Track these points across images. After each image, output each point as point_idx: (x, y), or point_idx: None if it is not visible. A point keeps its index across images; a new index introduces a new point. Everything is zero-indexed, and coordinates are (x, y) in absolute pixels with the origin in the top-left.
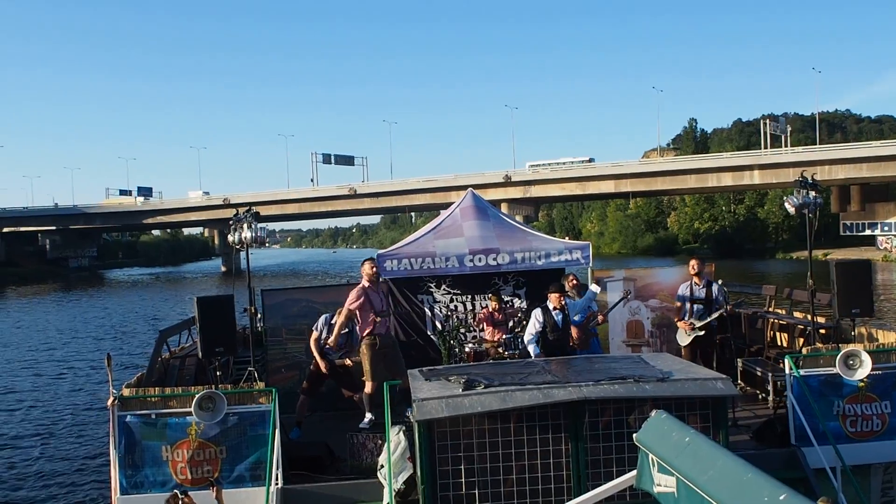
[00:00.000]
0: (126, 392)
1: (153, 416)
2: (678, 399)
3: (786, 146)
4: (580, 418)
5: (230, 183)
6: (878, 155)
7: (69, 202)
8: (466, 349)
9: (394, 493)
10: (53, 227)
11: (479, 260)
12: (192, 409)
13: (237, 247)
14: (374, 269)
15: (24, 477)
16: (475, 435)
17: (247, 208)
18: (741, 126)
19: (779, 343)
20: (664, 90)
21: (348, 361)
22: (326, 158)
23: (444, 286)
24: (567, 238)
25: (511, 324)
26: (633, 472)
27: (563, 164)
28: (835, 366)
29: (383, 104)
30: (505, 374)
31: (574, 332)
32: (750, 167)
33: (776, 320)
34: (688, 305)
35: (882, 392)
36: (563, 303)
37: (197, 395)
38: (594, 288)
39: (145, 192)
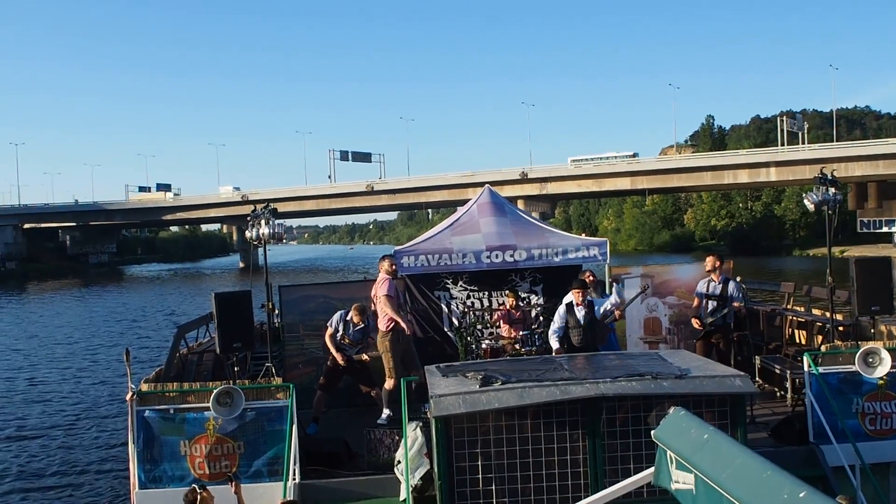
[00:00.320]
0: (144, 387)
1: (171, 411)
2: (696, 396)
3: (803, 143)
4: (597, 415)
5: (248, 180)
6: (894, 153)
7: (89, 199)
8: (483, 346)
9: (411, 489)
10: (74, 224)
11: (497, 256)
12: (210, 405)
13: (255, 243)
14: (393, 266)
15: (45, 470)
16: (492, 431)
17: (264, 204)
18: (759, 123)
19: (797, 340)
20: (684, 87)
21: (365, 357)
22: (344, 155)
23: (461, 282)
24: (584, 235)
25: (528, 320)
26: (651, 469)
27: (607, 158)
28: (854, 363)
29: (400, 101)
30: (522, 371)
31: None
32: (766, 164)
33: (795, 317)
34: (704, 302)
35: None
36: (586, 299)
37: (215, 391)
38: (613, 299)
39: (164, 188)
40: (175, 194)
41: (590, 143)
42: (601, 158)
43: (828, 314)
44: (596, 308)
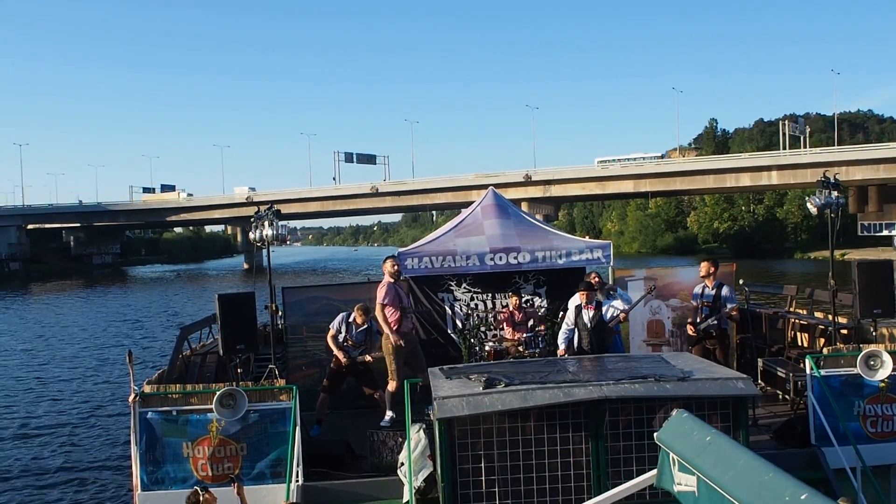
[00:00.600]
0: (147, 389)
1: (174, 413)
2: (699, 398)
3: (805, 147)
4: (600, 417)
5: (253, 181)
6: (895, 157)
7: (93, 199)
8: (487, 348)
9: (414, 491)
10: (77, 224)
11: (500, 258)
12: (213, 406)
13: (258, 244)
14: (396, 266)
15: (48, 471)
16: (495, 433)
17: (268, 206)
18: (763, 126)
19: (799, 343)
20: (689, 90)
21: (369, 358)
22: (349, 157)
23: (464, 284)
24: (587, 237)
25: (531, 322)
26: (654, 471)
27: (634, 159)
28: (856, 366)
29: (405, 103)
30: (525, 373)
31: None
32: (768, 168)
33: (797, 320)
34: (699, 306)
35: None
36: (593, 301)
37: (218, 392)
38: (619, 304)
39: (168, 189)
40: (189, 195)
41: (592, 145)
42: (628, 159)
43: (830, 317)
44: (603, 310)
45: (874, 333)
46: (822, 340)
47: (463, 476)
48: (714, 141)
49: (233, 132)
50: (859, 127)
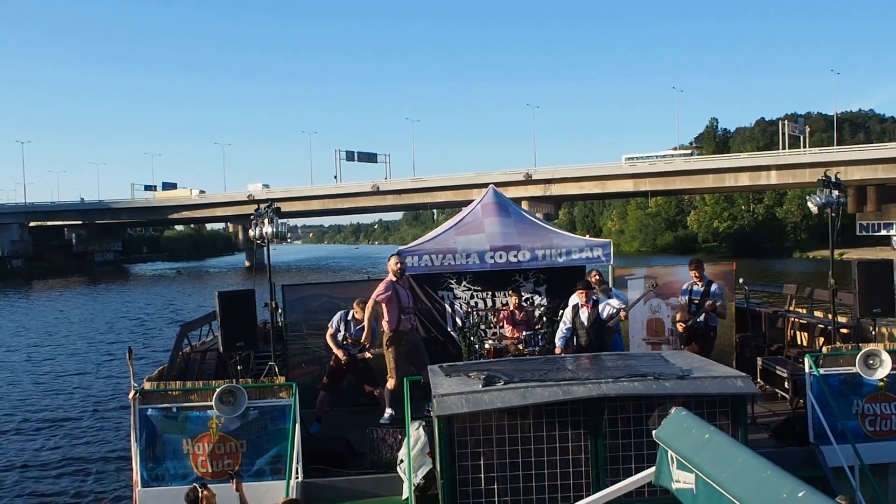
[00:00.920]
0: (147, 385)
1: (174, 410)
2: (698, 397)
3: (805, 147)
4: (599, 415)
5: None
6: (893, 157)
7: (95, 197)
8: (486, 346)
9: (413, 488)
10: (79, 222)
11: (500, 257)
12: (212, 403)
13: (258, 242)
14: (400, 264)
15: (49, 467)
16: (494, 431)
17: (268, 203)
18: (764, 125)
19: (799, 342)
20: (690, 89)
21: (368, 354)
22: (350, 156)
23: (464, 282)
24: (588, 236)
25: (531, 321)
26: (652, 469)
27: (664, 156)
28: (854, 365)
29: (406, 102)
30: (525, 371)
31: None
32: (767, 167)
33: (796, 319)
34: (687, 303)
35: None
36: (591, 299)
37: (218, 389)
38: (616, 303)
39: (170, 187)
40: (200, 191)
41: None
42: (657, 156)
43: (829, 316)
44: (600, 308)
45: (874, 332)
46: (822, 339)
47: (462, 473)
48: (715, 140)
49: (234, 131)
50: (861, 126)
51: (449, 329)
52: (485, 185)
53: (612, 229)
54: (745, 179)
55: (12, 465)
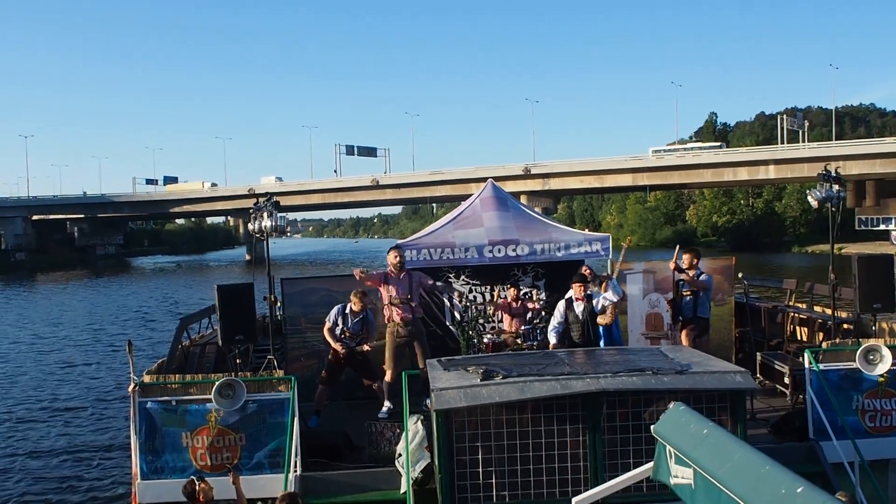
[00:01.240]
0: (147, 378)
1: (173, 403)
2: (696, 392)
3: (803, 141)
4: (598, 409)
5: (254, 173)
6: (892, 151)
7: (97, 191)
8: (485, 340)
9: (411, 482)
10: (82, 216)
11: (499, 251)
12: (212, 397)
13: (258, 235)
14: (399, 258)
15: (49, 458)
16: (493, 425)
17: (267, 197)
18: (764, 119)
19: (799, 337)
20: (690, 84)
21: (367, 347)
22: (350, 150)
23: (463, 277)
24: (587, 230)
25: (530, 315)
26: (650, 464)
27: (692, 149)
28: (855, 360)
29: (406, 96)
30: (523, 365)
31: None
32: (765, 162)
33: (796, 314)
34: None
35: None
36: (585, 293)
37: (217, 383)
38: (610, 295)
39: (171, 181)
40: (212, 185)
41: (593, 139)
42: (685, 149)
43: (829, 311)
44: (594, 302)
45: (874, 328)
46: (822, 335)
47: (460, 467)
48: (714, 134)
49: (235, 125)
50: (861, 121)
51: (447, 323)
52: (483, 180)
53: (611, 223)
54: (743, 174)
55: (14, 454)
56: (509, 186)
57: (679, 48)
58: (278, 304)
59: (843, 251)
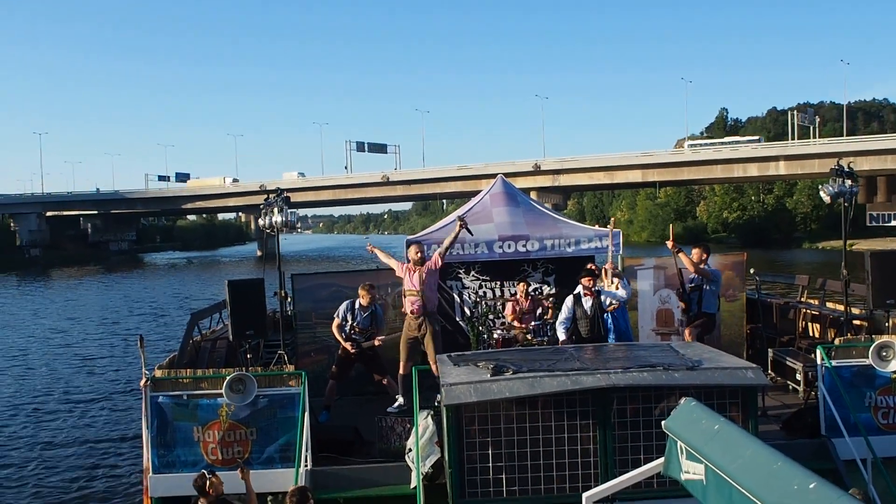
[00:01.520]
0: (158, 373)
1: (185, 398)
2: (708, 388)
3: (814, 137)
4: (608, 405)
5: (265, 170)
6: None
7: (110, 187)
8: (495, 335)
9: (421, 477)
10: (95, 212)
11: (509, 246)
12: (223, 391)
13: (268, 231)
14: (420, 253)
15: (61, 450)
16: (503, 420)
17: (277, 193)
18: (775, 115)
19: (811, 333)
20: (702, 80)
21: (377, 342)
22: (360, 146)
23: (473, 272)
24: (597, 226)
25: (540, 310)
26: (661, 460)
27: (728, 144)
28: (867, 357)
29: (416, 93)
30: (533, 361)
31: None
32: (776, 158)
33: (808, 310)
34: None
35: None
36: (594, 288)
37: (228, 377)
38: (621, 292)
39: (183, 177)
40: (234, 180)
41: (602, 136)
42: (722, 143)
43: (841, 307)
44: (602, 298)
45: (887, 324)
46: (834, 331)
47: (470, 462)
48: (725, 130)
49: (246, 122)
50: (874, 116)
51: (457, 319)
52: (493, 176)
53: (621, 219)
54: (753, 170)
55: (27, 446)
56: (519, 183)
57: (689, 45)
58: (289, 299)
59: (854, 247)
